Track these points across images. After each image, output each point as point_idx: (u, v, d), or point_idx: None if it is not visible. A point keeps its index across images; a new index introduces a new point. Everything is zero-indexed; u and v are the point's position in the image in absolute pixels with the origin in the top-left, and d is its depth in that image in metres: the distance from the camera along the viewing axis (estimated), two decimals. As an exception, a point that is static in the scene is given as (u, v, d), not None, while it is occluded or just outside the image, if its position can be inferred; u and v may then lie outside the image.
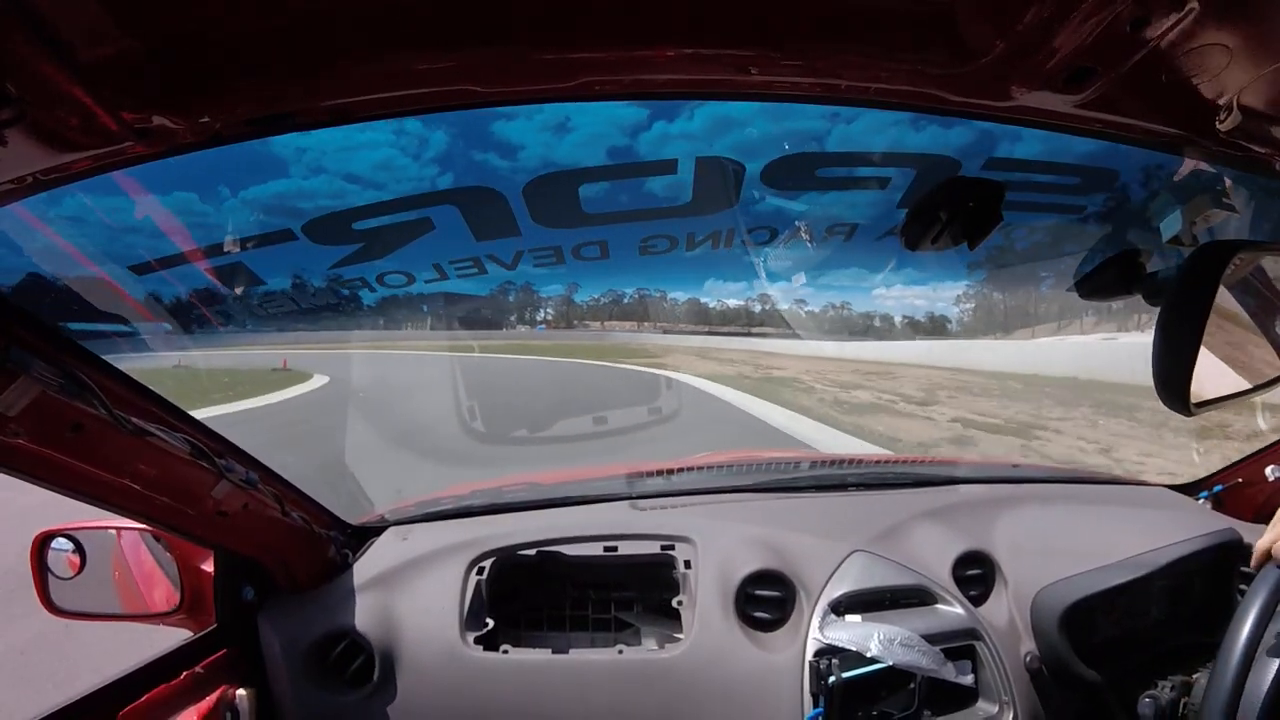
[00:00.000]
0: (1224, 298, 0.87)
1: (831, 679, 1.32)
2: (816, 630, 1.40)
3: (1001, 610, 1.53)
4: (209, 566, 1.41)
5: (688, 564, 1.54)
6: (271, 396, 14.58)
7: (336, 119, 0.64)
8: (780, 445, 8.41)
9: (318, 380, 17.73)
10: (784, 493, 1.85)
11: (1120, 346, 14.92)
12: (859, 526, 1.62)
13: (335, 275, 1.30)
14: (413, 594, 1.47)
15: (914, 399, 14.35)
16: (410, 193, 1.12)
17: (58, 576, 1.47)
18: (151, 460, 0.97)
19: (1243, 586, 1.49)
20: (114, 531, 1.53)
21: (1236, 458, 1.83)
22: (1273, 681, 1.00)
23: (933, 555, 1.57)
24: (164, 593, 1.50)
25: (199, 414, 1.05)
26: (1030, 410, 12.20)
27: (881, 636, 1.36)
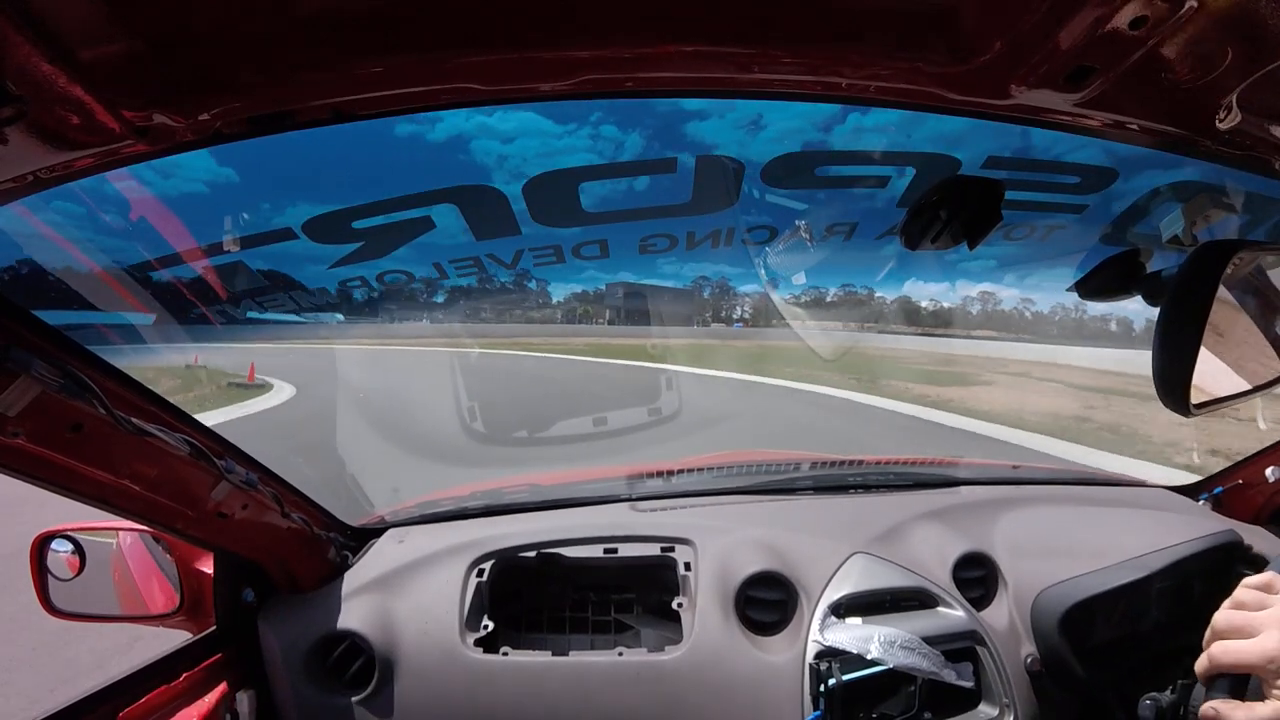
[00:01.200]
0: (1224, 298, 0.87)
1: (832, 681, 1.31)
2: (817, 632, 1.40)
3: (1002, 612, 1.53)
4: (209, 568, 1.41)
5: (688, 566, 1.54)
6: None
7: (337, 117, 0.64)
8: None
9: (277, 395, 12.06)
10: (784, 494, 1.85)
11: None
12: (859, 528, 1.62)
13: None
14: (413, 596, 1.46)
15: None
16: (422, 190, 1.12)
17: (57, 578, 1.47)
18: (151, 461, 0.97)
19: None
20: (114, 533, 1.53)
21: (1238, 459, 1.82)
22: None
23: (933, 557, 1.57)
24: (164, 594, 1.50)
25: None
26: None
27: (882, 639, 1.36)
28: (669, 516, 1.68)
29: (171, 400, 1.04)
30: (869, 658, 1.34)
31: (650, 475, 1.91)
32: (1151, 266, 1.00)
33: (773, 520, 1.67)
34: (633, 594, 1.60)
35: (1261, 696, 0.72)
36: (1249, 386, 0.99)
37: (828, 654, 1.36)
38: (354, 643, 1.40)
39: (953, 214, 0.95)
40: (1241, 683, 0.75)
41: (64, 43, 0.48)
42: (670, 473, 1.93)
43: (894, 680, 1.35)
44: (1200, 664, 0.79)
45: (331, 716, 1.36)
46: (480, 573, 1.51)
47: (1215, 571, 1.55)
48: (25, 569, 1.44)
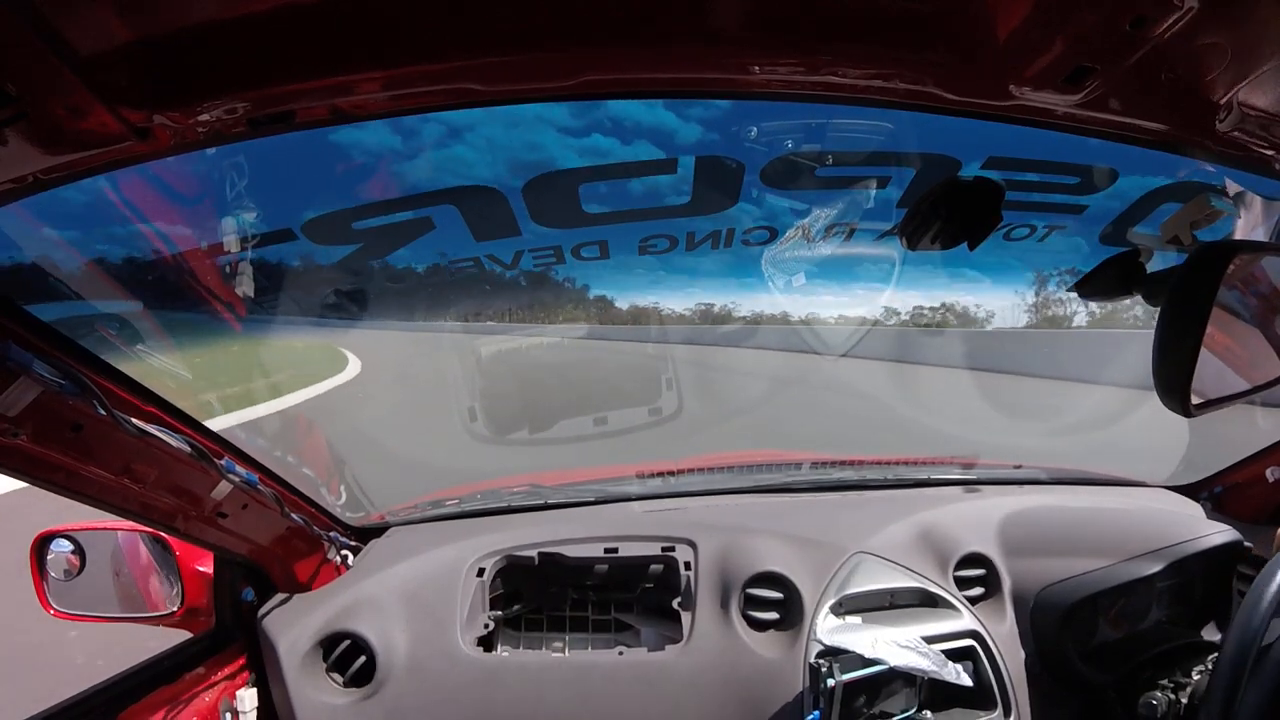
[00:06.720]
0: (1224, 298, 0.87)
1: (832, 680, 1.31)
2: (817, 632, 1.40)
3: (1002, 611, 1.53)
4: (209, 567, 1.41)
5: (688, 565, 1.54)
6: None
7: (338, 118, 0.64)
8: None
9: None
10: (785, 494, 1.85)
11: None
12: (860, 528, 1.62)
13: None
14: (413, 595, 1.47)
15: None
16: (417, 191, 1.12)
17: (57, 577, 1.47)
18: (151, 461, 0.97)
19: (1242, 587, 1.49)
20: (114, 532, 1.53)
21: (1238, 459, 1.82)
22: (1271, 682, 1.00)
23: (933, 556, 1.57)
24: (164, 594, 1.50)
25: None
26: None
27: (882, 638, 1.36)
28: (669, 516, 1.68)
29: (172, 400, 1.04)
30: (869, 657, 1.33)
31: (651, 475, 1.91)
32: (1151, 267, 1.00)
33: (773, 520, 1.67)
34: (633, 593, 1.60)
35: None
36: (1249, 386, 0.99)
37: (828, 653, 1.36)
38: (354, 642, 1.40)
39: (953, 214, 0.95)
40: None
41: (64, 44, 0.48)
42: (671, 473, 1.94)
43: (894, 679, 1.35)
44: None
45: (331, 716, 1.37)
46: (480, 572, 1.51)
47: (1215, 571, 1.55)
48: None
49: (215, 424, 1.14)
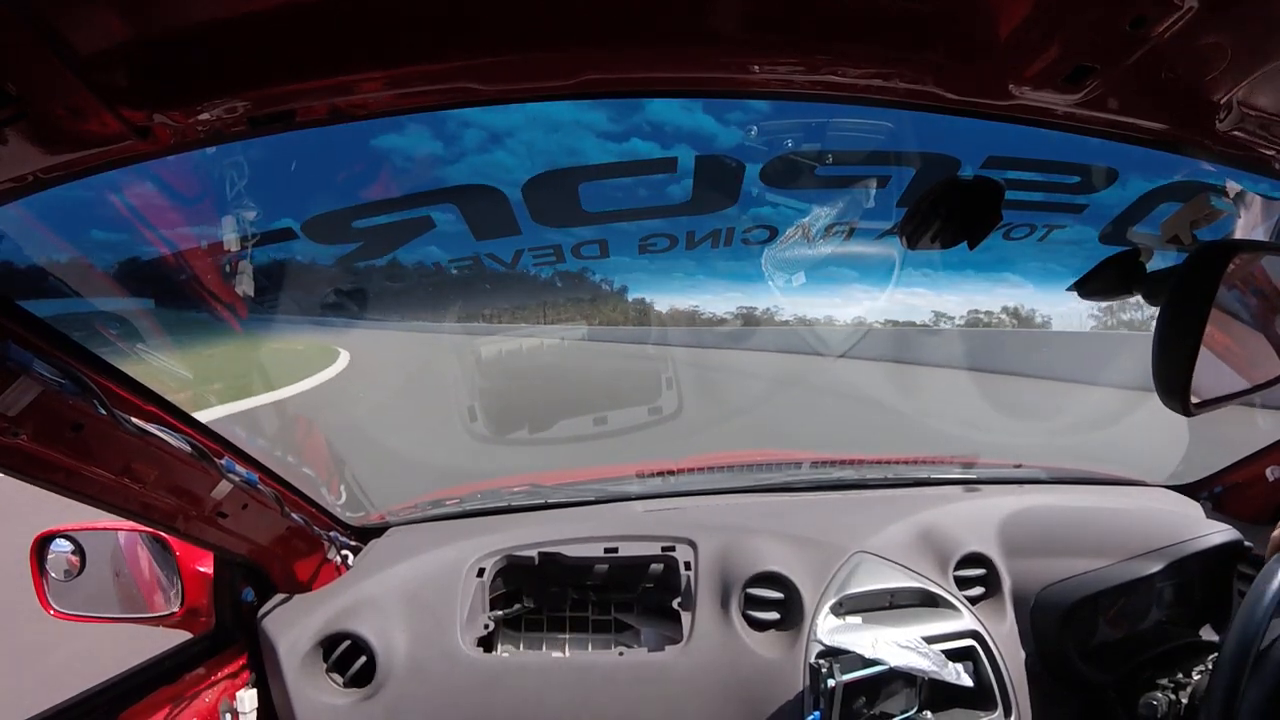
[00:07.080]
0: (1224, 298, 0.87)
1: (832, 681, 1.31)
2: (817, 632, 1.40)
3: (1002, 611, 1.53)
4: (209, 568, 1.41)
5: (688, 565, 1.54)
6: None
7: (338, 117, 0.64)
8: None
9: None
10: (785, 493, 1.85)
11: None
12: (860, 528, 1.62)
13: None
14: (413, 596, 1.47)
15: None
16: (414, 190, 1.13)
17: (57, 578, 1.47)
18: (151, 460, 0.97)
19: (1242, 587, 1.49)
20: (114, 532, 1.53)
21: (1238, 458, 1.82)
22: (1271, 682, 1.00)
23: (934, 556, 1.57)
24: (164, 594, 1.50)
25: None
26: None
27: (882, 638, 1.36)
28: (670, 516, 1.68)
29: (172, 400, 1.04)
30: (869, 657, 1.33)
31: (651, 475, 1.91)
32: (1151, 266, 1.00)
33: (773, 520, 1.67)
34: (633, 593, 1.60)
35: None
36: (1249, 386, 0.99)
37: (828, 653, 1.36)
38: (354, 642, 1.40)
39: (952, 213, 0.95)
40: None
41: (64, 44, 0.48)
42: (671, 472, 1.94)
43: (894, 679, 1.35)
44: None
45: (332, 716, 1.37)
46: (480, 572, 1.51)
47: (1215, 571, 1.55)
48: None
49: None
